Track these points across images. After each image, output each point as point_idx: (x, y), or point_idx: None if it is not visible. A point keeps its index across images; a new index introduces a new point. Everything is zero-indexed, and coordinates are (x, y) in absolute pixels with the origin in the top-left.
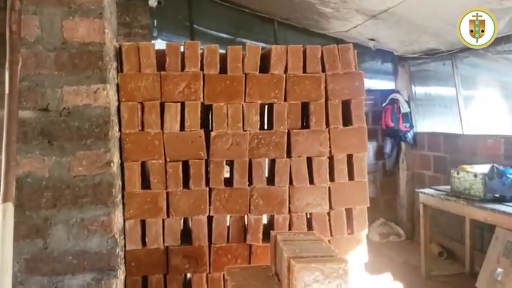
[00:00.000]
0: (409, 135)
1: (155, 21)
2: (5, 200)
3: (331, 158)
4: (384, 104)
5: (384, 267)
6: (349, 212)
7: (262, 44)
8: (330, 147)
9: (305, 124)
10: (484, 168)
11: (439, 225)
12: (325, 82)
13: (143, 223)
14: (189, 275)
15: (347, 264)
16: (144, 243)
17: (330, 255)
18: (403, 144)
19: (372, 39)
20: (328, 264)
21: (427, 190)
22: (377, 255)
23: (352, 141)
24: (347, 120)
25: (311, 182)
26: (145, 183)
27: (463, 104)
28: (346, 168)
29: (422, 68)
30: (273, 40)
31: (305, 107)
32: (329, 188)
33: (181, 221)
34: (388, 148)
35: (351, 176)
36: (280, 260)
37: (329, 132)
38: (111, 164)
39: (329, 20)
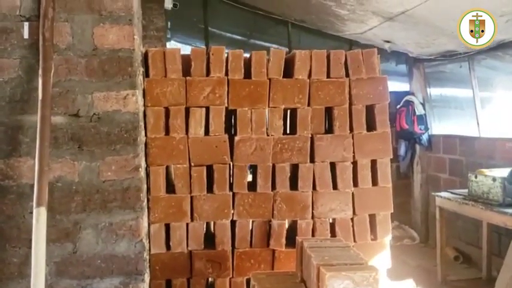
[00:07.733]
0: (424, 137)
1: (169, 23)
2: (38, 205)
3: (354, 163)
4: (398, 106)
5: (399, 271)
6: (372, 217)
7: (275, 46)
8: (353, 152)
9: (328, 129)
10: (503, 172)
11: (454, 229)
12: (349, 87)
13: (167, 227)
14: (211, 279)
15: (378, 273)
16: (168, 247)
17: (359, 263)
18: (417, 147)
19: (388, 41)
20: (358, 273)
21: (443, 193)
22: (391, 259)
23: (376, 146)
24: (370, 125)
25: (334, 187)
26: (170, 188)
27: (480, 107)
28: (370, 174)
29: (438, 70)
30: (287, 42)
31: (329, 111)
32: (352, 193)
33: (204, 225)
34: (402, 150)
35: (374, 182)
36: (308, 266)
37: (353, 137)
38: (140, 169)
39: (345, 22)
